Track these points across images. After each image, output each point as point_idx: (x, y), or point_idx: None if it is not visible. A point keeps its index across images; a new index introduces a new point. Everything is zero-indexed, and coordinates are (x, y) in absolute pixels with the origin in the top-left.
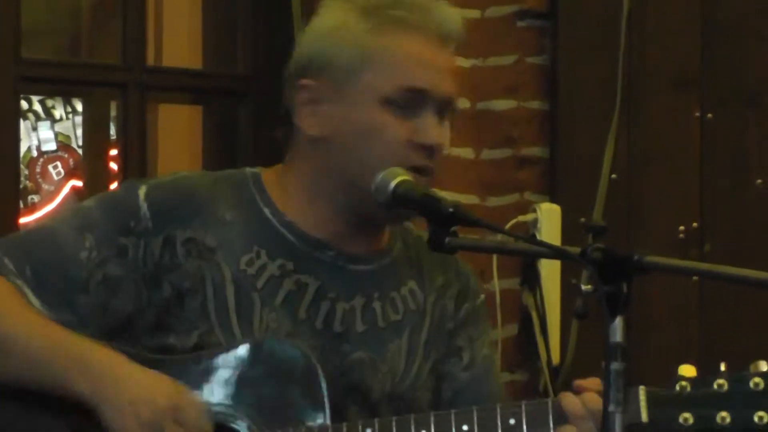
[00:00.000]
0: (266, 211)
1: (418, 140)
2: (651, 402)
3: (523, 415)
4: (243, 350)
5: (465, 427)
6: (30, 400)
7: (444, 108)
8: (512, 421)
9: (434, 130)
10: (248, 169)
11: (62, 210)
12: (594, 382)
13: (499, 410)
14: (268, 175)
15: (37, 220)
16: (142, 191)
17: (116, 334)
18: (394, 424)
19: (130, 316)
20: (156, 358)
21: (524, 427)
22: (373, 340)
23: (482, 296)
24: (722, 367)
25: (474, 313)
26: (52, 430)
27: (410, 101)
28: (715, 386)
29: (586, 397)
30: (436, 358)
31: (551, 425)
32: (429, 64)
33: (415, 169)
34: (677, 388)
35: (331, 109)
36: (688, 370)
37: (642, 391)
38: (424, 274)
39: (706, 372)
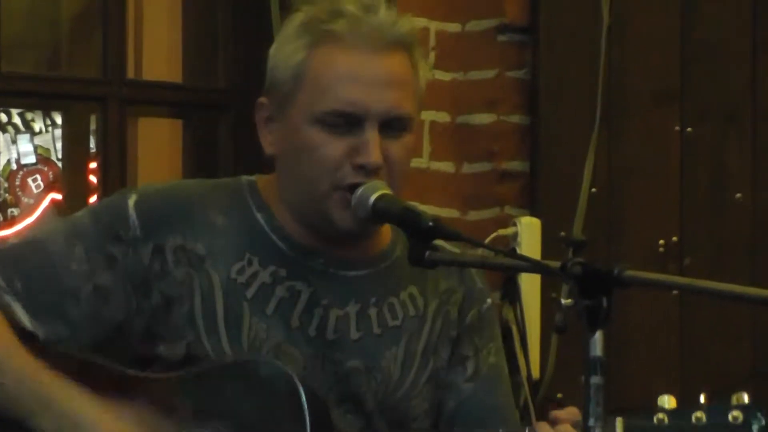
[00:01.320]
0: (259, 216)
1: (355, 160)
2: None
3: None
4: (226, 369)
5: None
6: None
7: (390, 122)
8: None
9: (372, 148)
10: (244, 177)
11: (52, 221)
12: (571, 412)
13: None
14: (263, 182)
15: (26, 232)
16: (132, 200)
17: (107, 343)
18: None
19: (121, 325)
20: (140, 376)
21: None
22: (368, 347)
23: (489, 300)
24: (702, 399)
25: (480, 320)
26: None
27: (344, 121)
28: (693, 419)
29: (561, 429)
30: (436, 367)
31: None
32: (361, 81)
33: (355, 188)
34: (655, 420)
35: (278, 127)
36: (667, 401)
37: (619, 422)
38: (427, 278)
39: (686, 400)
